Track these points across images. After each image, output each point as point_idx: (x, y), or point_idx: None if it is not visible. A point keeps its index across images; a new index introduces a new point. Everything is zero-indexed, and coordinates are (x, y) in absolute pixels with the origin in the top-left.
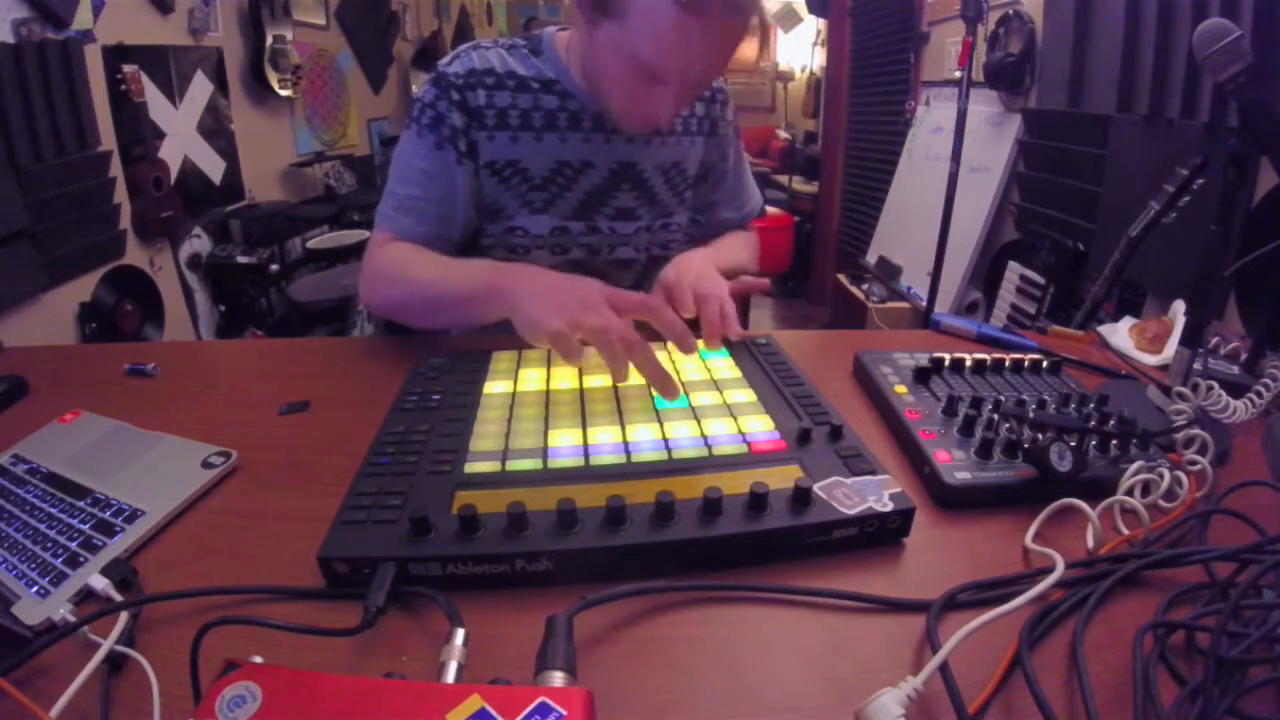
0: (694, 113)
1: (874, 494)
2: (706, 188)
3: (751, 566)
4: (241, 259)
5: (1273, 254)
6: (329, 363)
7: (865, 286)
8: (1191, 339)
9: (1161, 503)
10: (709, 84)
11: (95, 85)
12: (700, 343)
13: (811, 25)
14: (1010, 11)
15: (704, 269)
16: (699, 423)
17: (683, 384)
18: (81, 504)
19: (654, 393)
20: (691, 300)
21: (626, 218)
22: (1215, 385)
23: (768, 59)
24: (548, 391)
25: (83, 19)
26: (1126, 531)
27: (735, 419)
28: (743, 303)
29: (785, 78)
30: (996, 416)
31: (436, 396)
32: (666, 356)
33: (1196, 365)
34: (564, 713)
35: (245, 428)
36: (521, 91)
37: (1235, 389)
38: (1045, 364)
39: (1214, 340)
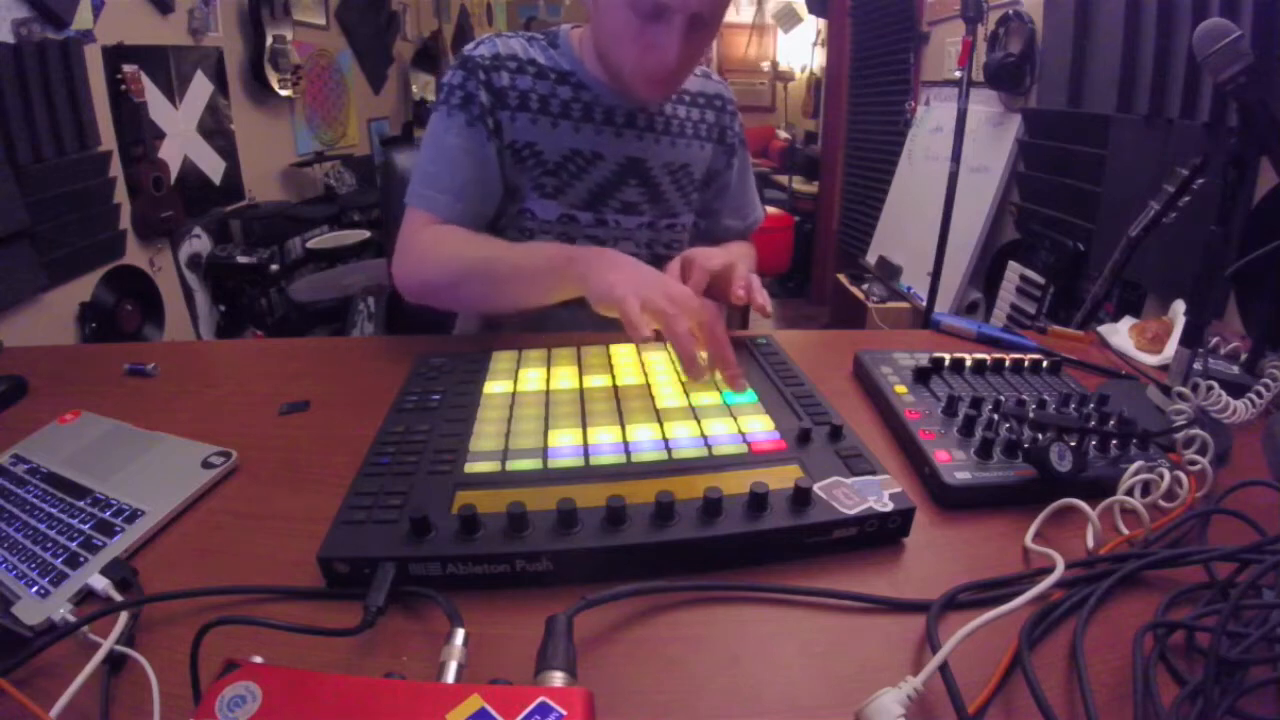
0: (704, 119)
1: (874, 494)
2: (711, 194)
3: (751, 566)
4: (241, 259)
5: (1273, 254)
6: (329, 363)
7: (865, 286)
8: (1191, 339)
9: (1161, 503)
10: (711, 24)
11: (95, 85)
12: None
13: (811, 25)
14: (1010, 11)
15: (728, 259)
16: (699, 423)
17: (683, 384)
18: (81, 504)
19: (655, 393)
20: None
21: (631, 212)
22: (1215, 385)
23: (766, 57)
24: (548, 391)
25: (83, 19)
26: (1126, 531)
27: (735, 419)
28: (743, 309)
29: (785, 78)
30: (996, 416)
31: (436, 396)
32: (667, 356)
33: (1196, 365)
34: (564, 713)
35: (245, 428)
36: (541, 79)
37: (1235, 389)
38: (1045, 364)
39: (1214, 340)
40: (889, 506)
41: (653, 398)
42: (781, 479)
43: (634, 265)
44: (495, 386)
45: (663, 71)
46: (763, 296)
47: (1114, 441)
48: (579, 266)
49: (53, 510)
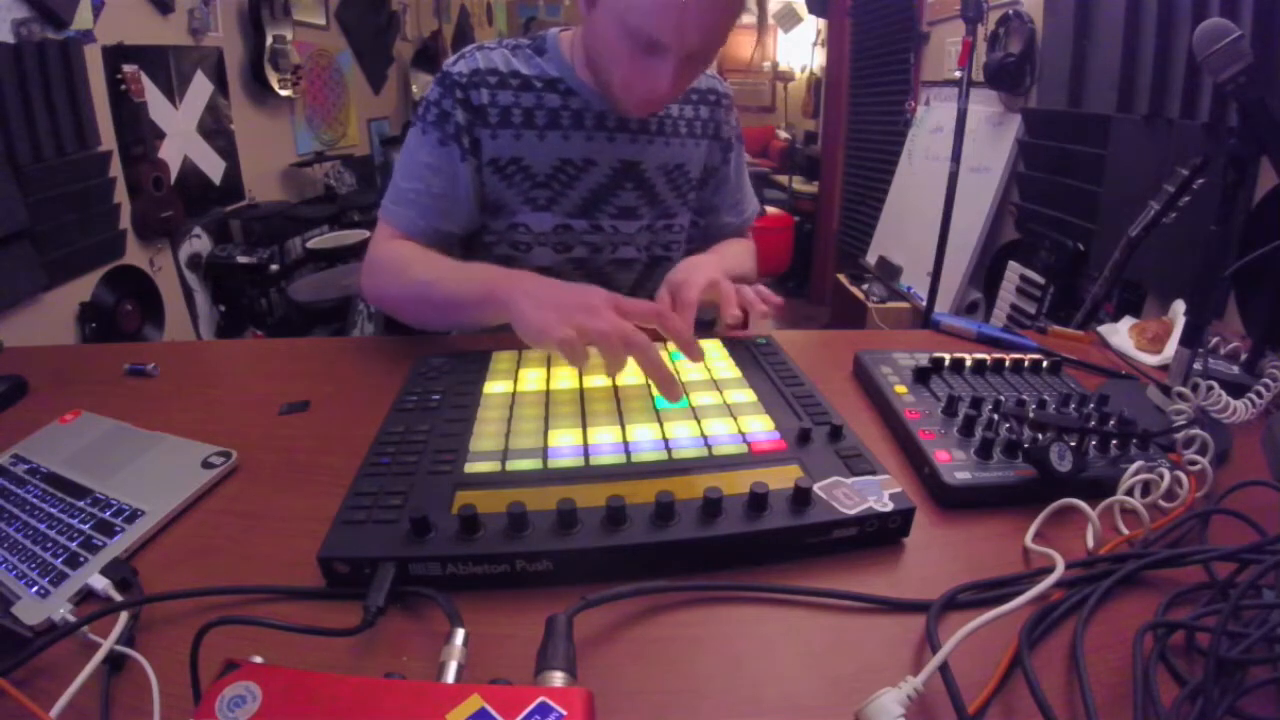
0: (698, 116)
1: (874, 494)
2: (708, 191)
3: (751, 566)
4: (241, 259)
5: (1273, 254)
6: (329, 363)
7: (865, 286)
8: (1191, 339)
9: (1161, 503)
10: (708, 57)
11: (95, 85)
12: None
13: (811, 25)
14: (1010, 11)
15: (715, 275)
16: (699, 423)
17: (683, 384)
18: (81, 504)
19: (655, 393)
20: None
21: (628, 216)
22: (1215, 385)
23: (766, 57)
24: (548, 391)
25: (83, 19)
26: (1126, 531)
27: (735, 419)
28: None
29: (785, 78)
30: (996, 416)
31: (436, 396)
32: (666, 356)
33: (1196, 365)
34: (564, 713)
35: (245, 428)
36: (525, 90)
37: (1235, 389)
38: (1045, 364)
39: (1214, 340)
40: (889, 506)
41: (652, 398)
42: (781, 479)
43: (551, 291)
44: (495, 386)
45: (653, 99)
46: (761, 304)
47: (1114, 441)
48: (500, 295)
49: (53, 510)
